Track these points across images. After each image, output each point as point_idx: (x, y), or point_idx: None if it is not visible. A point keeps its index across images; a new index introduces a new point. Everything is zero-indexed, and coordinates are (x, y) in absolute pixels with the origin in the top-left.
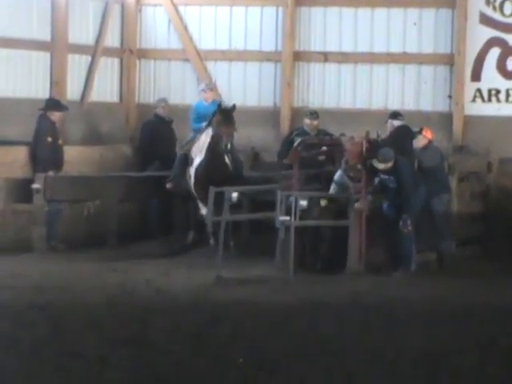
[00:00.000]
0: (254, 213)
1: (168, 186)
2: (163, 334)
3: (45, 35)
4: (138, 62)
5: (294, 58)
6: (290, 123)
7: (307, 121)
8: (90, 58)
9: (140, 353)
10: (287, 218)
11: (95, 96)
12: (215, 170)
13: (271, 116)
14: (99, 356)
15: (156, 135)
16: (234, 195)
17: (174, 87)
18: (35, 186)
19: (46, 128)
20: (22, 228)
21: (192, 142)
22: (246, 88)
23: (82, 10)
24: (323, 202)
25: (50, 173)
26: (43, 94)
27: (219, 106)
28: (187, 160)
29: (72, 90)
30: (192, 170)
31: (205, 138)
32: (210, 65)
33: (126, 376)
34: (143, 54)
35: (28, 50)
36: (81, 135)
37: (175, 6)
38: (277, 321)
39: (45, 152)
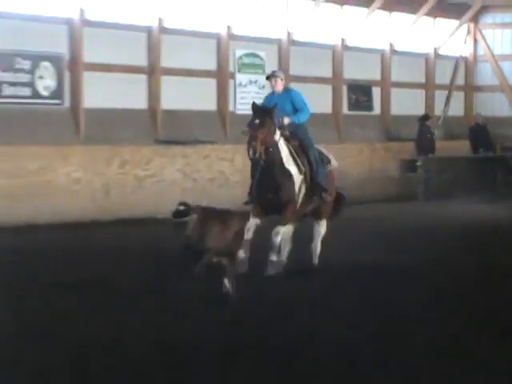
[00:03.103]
0: None
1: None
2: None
3: None
4: None
5: None
6: None
7: None
8: None
9: (438, 316)
10: None
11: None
12: (266, 186)
13: None
14: (406, 318)
15: (477, 135)
16: None
17: None
18: (418, 163)
19: (425, 130)
20: (409, 187)
21: None
22: None
23: None
24: None
25: (425, 156)
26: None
27: (252, 104)
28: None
29: None
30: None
31: None
32: None
33: (426, 336)
34: None
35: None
36: (441, 134)
37: None
38: None
39: (424, 143)
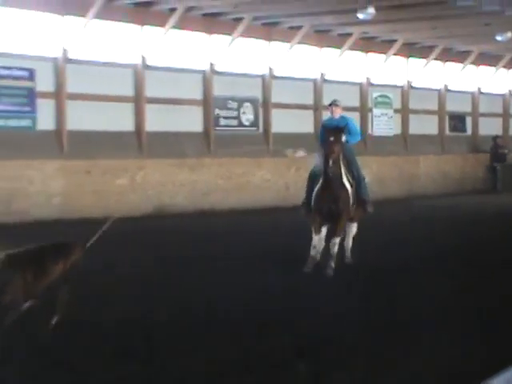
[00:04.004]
0: None
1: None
2: None
3: None
4: None
5: None
6: None
7: None
8: None
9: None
10: None
11: None
12: (327, 196)
13: None
14: None
15: None
16: None
17: None
18: (497, 168)
19: (496, 146)
20: (491, 184)
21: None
22: None
23: None
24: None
25: (501, 163)
26: None
27: (322, 124)
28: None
29: None
30: (313, 195)
31: (319, 159)
32: None
33: None
34: None
35: None
36: None
37: None
38: None
39: (495, 155)
